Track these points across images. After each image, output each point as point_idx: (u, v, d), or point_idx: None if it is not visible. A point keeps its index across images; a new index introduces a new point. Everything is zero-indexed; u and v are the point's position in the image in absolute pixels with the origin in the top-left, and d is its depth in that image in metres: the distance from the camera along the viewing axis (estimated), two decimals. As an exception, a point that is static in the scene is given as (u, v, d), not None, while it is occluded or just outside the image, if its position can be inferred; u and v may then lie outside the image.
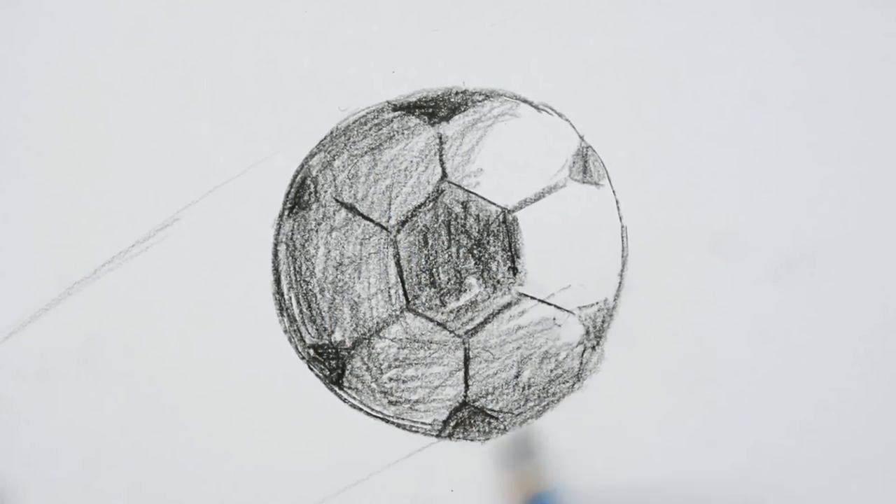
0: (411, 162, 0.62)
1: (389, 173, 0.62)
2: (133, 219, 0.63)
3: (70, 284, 0.63)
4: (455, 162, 0.62)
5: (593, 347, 0.62)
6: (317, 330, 0.62)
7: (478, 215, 0.61)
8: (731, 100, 0.64)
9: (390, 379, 0.61)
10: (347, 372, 0.62)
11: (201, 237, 0.63)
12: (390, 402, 0.62)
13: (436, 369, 0.61)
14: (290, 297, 0.62)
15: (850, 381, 0.62)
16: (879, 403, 0.62)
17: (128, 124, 0.64)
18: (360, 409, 0.62)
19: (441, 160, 0.62)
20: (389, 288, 0.61)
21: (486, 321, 0.61)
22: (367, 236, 0.61)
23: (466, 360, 0.61)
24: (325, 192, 0.62)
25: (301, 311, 0.62)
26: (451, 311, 0.61)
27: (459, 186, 0.61)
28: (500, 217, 0.61)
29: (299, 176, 0.63)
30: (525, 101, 0.63)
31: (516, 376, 0.62)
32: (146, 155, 0.64)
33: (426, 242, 0.61)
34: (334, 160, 0.63)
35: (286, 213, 0.63)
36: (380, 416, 0.62)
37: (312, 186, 0.63)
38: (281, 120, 0.64)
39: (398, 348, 0.61)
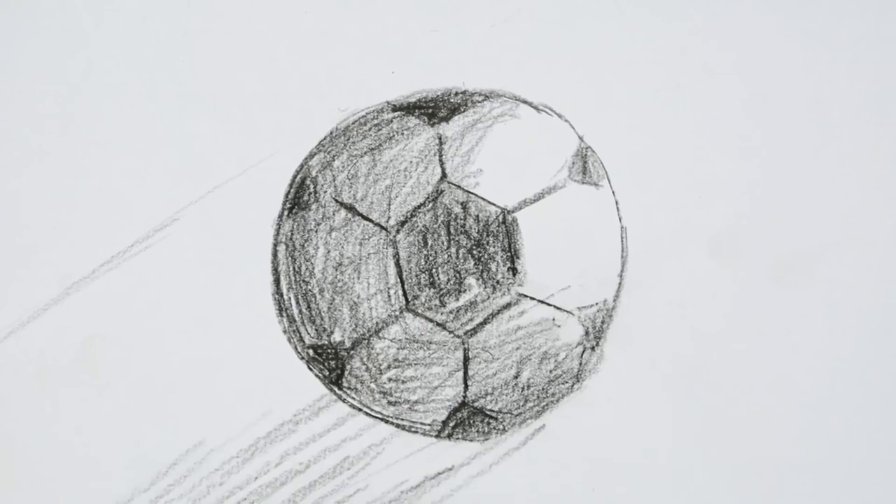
0: (411, 162, 0.62)
1: (389, 174, 0.62)
2: (132, 219, 0.63)
3: (69, 284, 0.63)
4: (455, 162, 0.62)
5: (593, 348, 0.62)
6: (316, 330, 0.62)
7: (477, 216, 0.61)
8: (731, 100, 0.64)
9: (389, 379, 0.61)
10: (347, 372, 0.62)
11: (200, 237, 0.63)
12: (390, 403, 0.62)
13: (435, 370, 0.61)
14: (290, 298, 0.62)
15: (850, 381, 0.62)
16: (880, 404, 0.62)
17: (127, 124, 0.64)
18: (360, 410, 0.62)
19: (441, 160, 0.62)
20: (389, 288, 0.61)
21: (485, 321, 0.61)
22: (366, 236, 0.61)
23: (466, 360, 0.61)
24: (325, 192, 0.62)
25: (300, 312, 0.62)
26: (451, 312, 0.61)
27: (459, 187, 0.61)
28: (500, 217, 0.61)
29: (299, 176, 0.63)
30: (525, 102, 0.63)
31: (515, 377, 0.61)
32: (145, 155, 0.64)
33: (426, 243, 0.61)
34: (334, 160, 0.63)
35: (285, 213, 0.63)
36: (379, 416, 0.62)
37: (312, 187, 0.62)
38: (281, 120, 0.64)
39: (397, 349, 0.61)
